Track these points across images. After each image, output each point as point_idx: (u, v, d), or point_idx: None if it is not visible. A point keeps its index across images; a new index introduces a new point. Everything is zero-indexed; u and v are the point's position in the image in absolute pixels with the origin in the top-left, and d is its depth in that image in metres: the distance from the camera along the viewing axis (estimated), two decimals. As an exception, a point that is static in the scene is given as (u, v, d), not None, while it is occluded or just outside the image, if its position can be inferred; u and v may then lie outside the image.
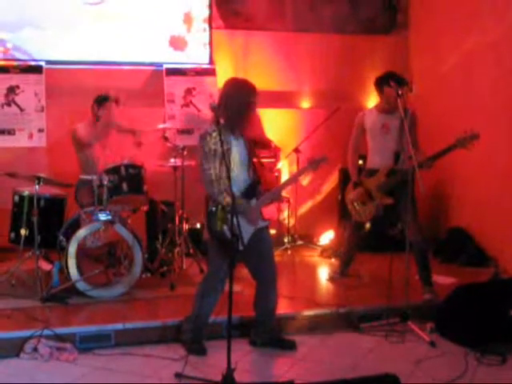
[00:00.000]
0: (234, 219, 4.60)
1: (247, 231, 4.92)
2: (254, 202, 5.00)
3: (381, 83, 6.26)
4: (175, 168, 6.83)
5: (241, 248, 4.81)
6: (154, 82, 8.17)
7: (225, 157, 4.73)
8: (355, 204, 6.45)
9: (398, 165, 6.21)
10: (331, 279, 6.81)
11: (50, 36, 7.80)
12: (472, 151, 5.79)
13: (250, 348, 5.27)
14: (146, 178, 6.50)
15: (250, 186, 5.03)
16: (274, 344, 5.29)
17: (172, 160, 6.85)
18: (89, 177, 6.32)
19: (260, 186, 5.10)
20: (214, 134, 4.83)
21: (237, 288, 4.48)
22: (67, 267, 5.89)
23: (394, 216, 6.38)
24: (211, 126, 4.94)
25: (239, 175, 4.98)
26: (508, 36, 7.14)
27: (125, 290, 6.04)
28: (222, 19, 8.46)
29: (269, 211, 8.12)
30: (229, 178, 4.54)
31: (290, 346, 5.29)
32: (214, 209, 4.87)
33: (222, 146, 4.66)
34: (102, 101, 6.85)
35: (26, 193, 6.32)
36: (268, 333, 5.30)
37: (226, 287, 4.60)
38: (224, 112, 4.92)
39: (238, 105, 4.93)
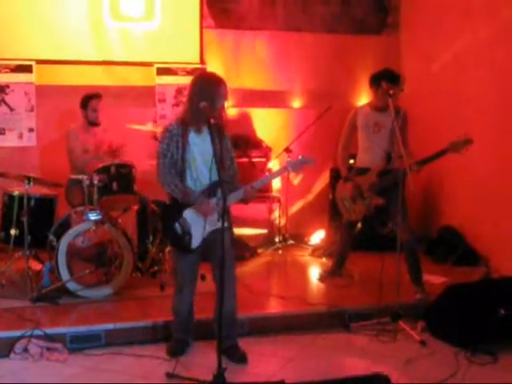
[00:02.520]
0: (186, 214, 4.78)
1: (202, 230, 4.80)
2: (213, 201, 4.81)
3: (377, 80, 6.21)
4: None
5: (195, 246, 4.82)
6: (144, 81, 8.14)
7: (177, 152, 4.80)
8: (345, 202, 6.43)
9: (389, 165, 6.20)
10: (321, 279, 6.80)
11: (40, 34, 7.78)
12: (465, 155, 5.78)
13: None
14: (136, 177, 6.49)
15: (211, 185, 4.83)
16: (228, 354, 4.91)
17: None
18: (79, 176, 6.32)
19: (225, 186, 4.71)
20: (171, 129, 4.84)
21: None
22: (57, 267, 5.87)
23: (384, 215, 6.37)
24: (173, 123, 4.92)
25: (199, 173, 4.85)
26: (499, 37, 7.16)
27: (115, 289, 6.03)
28: (213, 18, 8.45)
29: (259, 211, 8.19)
30: (180, 173, 4.73)
31: (239, 359, 4.97)
32: (168, 203, 4.91)
33: (177, 142, 4.79)
34: (86, 101, 6.89)
35: (16, 193, 6.29)
36: (224, 340, 4.79)
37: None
38: (186, 106, 4.89)
39: (199, 98, 4.78)
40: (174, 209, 4.89)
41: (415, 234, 6.25)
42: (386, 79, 6.08)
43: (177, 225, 4.84)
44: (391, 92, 5.87)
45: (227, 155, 4.99)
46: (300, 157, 5.08)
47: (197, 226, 4.81)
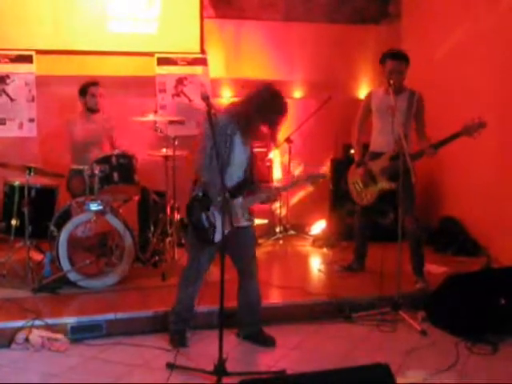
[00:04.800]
0: (212, 209, 4.81)
1: (223, 225, 4.76)
2: (239, 200, 4.92)
3: (383, 59, 6.15)
4: (166, 158, 6.81)
5: (217, 239, 4.81)
6: (145, 71, 8.13)
7: (224, 151, 4.77)
8: (357, 186, 6.39)
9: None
10: (339, 272, 6.74)
11: (40, 25, 7.76)
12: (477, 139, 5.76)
13: (241, 338, 5.27)
14: (137, 167, 6.49)
15: (239, 184, 4.95)
16: (253, 338, 5.20)
17: (163, 150, 6.83)
18: (80, 167, 6.33)
19: (250, 185, 5.00)
20: (224, 127, 4.80)
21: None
22: (58, 257, 5.87)
23: (385, 205, 6.35)
24: (225, 117, 4.89)
25: (234, 172, 4.91)
26: (500, 26, 7.14)
27: (116, 280, 6.03)
28: (213, 8, 8.43)
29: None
30: (221, 170, 4.52)
31: (269, 342, 5.16)
32: (200, 194, 4.87)
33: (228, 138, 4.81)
34: (85, 89, 6.90)
35: (17, 183, 6.28)
36: (249, 327, 5.23)
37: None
38: (248, 111, 4.83)
39: (257, 117, 4.83)
40: (204, 201, 4.86)
41: (421, 223, 6.23)
42: (389, 56, 6.07)
43: (204, 216, 4.83)
44: (391, 82, 5.86)
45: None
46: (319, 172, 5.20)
47: (220, 221, 4.78)
